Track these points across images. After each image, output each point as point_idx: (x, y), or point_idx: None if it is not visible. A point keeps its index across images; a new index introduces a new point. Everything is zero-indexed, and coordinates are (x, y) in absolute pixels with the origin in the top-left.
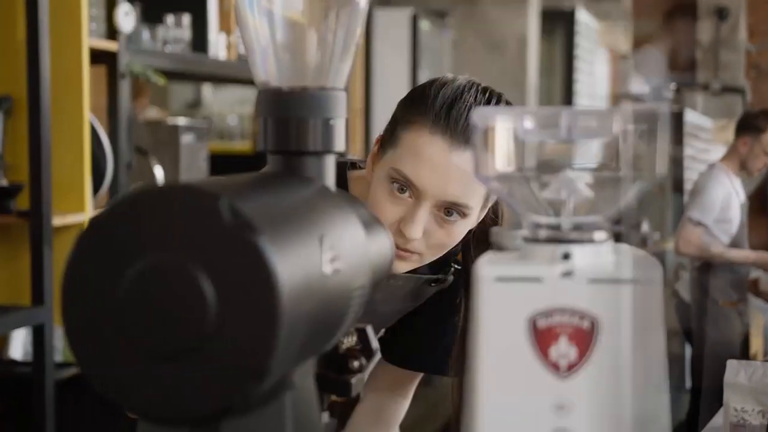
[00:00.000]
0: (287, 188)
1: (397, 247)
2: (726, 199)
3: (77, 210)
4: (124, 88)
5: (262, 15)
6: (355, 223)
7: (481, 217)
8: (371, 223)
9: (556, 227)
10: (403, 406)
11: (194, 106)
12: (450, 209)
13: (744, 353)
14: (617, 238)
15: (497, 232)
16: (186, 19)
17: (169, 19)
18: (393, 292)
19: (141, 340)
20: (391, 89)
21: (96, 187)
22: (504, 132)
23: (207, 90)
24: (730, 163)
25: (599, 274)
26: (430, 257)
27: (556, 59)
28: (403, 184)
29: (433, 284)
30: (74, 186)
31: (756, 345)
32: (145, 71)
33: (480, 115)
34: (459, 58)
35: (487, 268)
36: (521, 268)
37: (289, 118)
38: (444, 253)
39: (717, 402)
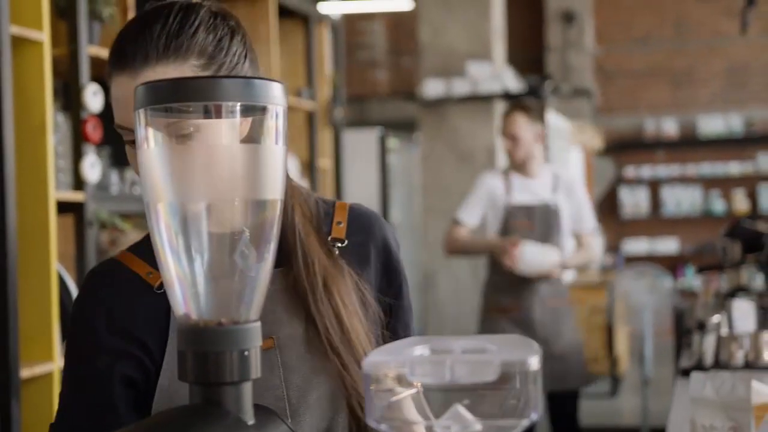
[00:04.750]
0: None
1: None
2: (490, 198)
3: (45, 359)
4: (92, 235)
5: (176, 255)
6: None
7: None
8: None
9: None
10: None
11: None
12: None
13: None
14: None
15: None
16: None
17: None
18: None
19: None
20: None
21: (64, 335)
22: (392, 377)
23: None
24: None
25: None
26: None
27: None
28: (127, 134)
29: None
30: (42, 336)
31: None
32: (112, 219)
33: (370, 363)
34: (429, 170)
35: None
36: None
37: (206, 352)
38: None
39: None
